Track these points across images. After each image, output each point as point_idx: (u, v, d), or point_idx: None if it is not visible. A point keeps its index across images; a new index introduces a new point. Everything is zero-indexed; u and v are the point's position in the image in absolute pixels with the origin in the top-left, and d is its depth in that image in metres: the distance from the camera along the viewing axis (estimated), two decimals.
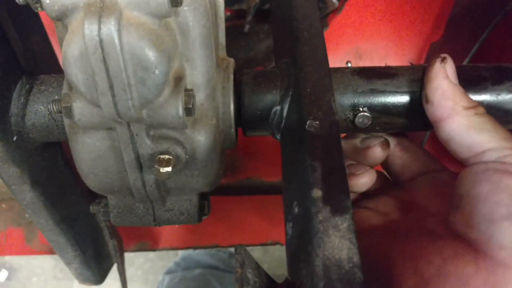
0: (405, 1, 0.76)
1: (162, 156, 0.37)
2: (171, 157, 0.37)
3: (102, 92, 0.32)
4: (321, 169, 0.35)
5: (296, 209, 0.34)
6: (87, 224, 0.56)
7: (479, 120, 0.39)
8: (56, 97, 0.40)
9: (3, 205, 0.75)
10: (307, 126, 0.37)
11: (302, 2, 0.49)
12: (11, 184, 0.45)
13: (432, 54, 0.76)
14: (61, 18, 0.32)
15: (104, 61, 0.30)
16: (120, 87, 0.32)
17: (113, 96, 0.32)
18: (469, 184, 0.37)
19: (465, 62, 0.64)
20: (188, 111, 0.36)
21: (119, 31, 0.30)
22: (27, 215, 0.76)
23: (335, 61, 0.79)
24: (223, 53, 0.45)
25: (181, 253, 1.34)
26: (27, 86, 0.42)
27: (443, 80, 0.40)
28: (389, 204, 0.48)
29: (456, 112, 0.39)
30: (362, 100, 0.44)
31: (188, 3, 0.35)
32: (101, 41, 0.30)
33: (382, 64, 0.74)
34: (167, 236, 0.78)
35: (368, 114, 0.43)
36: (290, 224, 0.34)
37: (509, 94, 0.43)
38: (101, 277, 0.59)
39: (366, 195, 0.51)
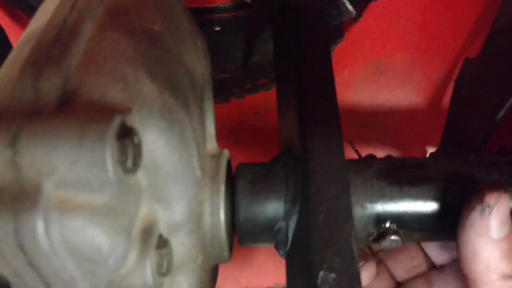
0: (435, 8, 0.64)
1: None
2: None
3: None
4: None
5: None
6: None
7: None
8: None
9: None
10: (319, 281, 0.28)
11: (315, 70, 0.38)
12: None
13: (467, 71, 0.65)
14: None
15: (32, 265, 0.21)
16: (59, 285, 0.23)
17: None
18: None
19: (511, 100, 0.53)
20: (162, 274, 0.27)
21: (46, 228, 0.20)
22: None
23: (351, 77, 0.69)
24: (212, 145, 0.35)
25: None
26: None
27: (477, 237, 0.30)
28: None
29: (485, 282, 0.30)
30: (389, 213, 0.34)
31: (155, 138, 0.25)
32: (21, 246, 0.20)
33: (406, 80, 0.64)
34: None
35: (396, 238, 0.33)
36: None
37: None
38: None
39: None
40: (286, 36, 0.43)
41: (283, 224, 0.33)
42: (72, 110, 0.21)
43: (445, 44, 0.66)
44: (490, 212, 0.31)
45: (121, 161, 0.21)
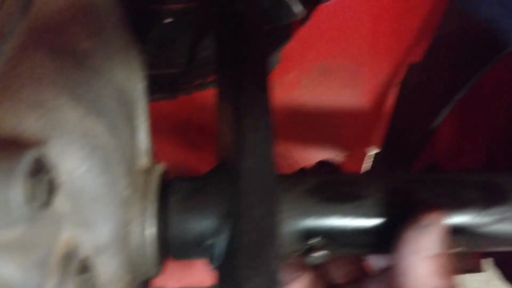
0: (382, 14, 0.65)
1: None
2: None
3: None
4: None
5: None
6: None
7: None
8: None
9: None
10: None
11: (251, 87, 0.38)
12: None
13: (410, 76, 0.66)
14: None
15: None
16: None
17: None
18: None
19: (448, 107, 0.55)
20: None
21: None
22: None
23: (298, 78, 0.69)
24: (145, 160, 0.35)
25: None
26: None
27: (412, 255, 0.32)
28: None
29: None
30: (318, 229, 0.35)
31: (76, 166, 0.24)
32: None
33: (352, 83, 0.65)
34: None
35: (323, 254, 0.34)
36: None
37: (501, 222, 0.35)
38: None
39: None
40: (226, 42, 0.43)
41: (213, 241, 0.34)
42: None
43: (391, 49, 0.67)
44: (425, 231, 0.32)
45: (32, 199, 0.20)
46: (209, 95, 0.72)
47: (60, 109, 0.24)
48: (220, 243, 0.33)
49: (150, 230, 0.32)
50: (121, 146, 0.29)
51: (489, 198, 0.35)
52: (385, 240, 0.35)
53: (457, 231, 0.35)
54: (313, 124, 0.70)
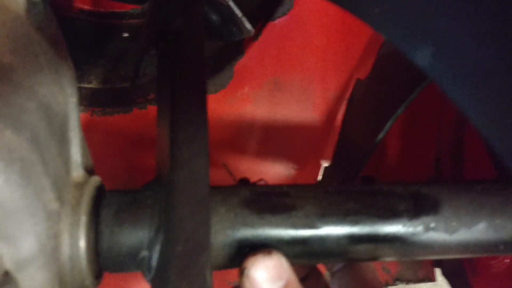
0: (329, 33, 0.67)
1: None
2: None
3: None
4: None
5: None
6: None
7: None
8: None
9: None
10: None
11: (187, 99, 0.39)
12: None
13: (356, 91, 0.68)
14: None
15: None
16: None
17: None
18: None
19: (390, 122, 0.57)
20: None
21: None
22: None
23: (251, 93, 0.70)
24: (79, 173, 0.35)
25: None
26: None
27: None
28: None
29: None
30: (250, 239, 0.36)
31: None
32: None
33: (303, 98, 0.66)
34: None
35: None
36: None
37: (426, 233, 0.37)
38: None
39: None
40: (165, 60, 0.43)
41: (146, 253, 0.34)
42: None
43: (339, 65, 0.69)
44: (247, 275, 0.33)
45: None
46: None
47: None
48: (153, 255, 0.34)
49: (81, 243, 0.32)
50: (47, 159, 0.29)
51: (418, 208, 0.37)
52: (316, 250, 0.36)
53: (388, 240, 0.36)
54: (266, 138, 0.72)
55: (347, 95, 0.70)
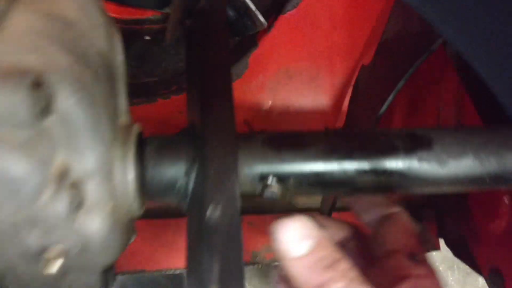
0: (336, 23, 0.74)
1: (48, 255, 0.34)
2: (60, 252, 0.35)
3: None
4: (219, 266, 0.34)
5: (194, 282, 0.33)
6: None
7: None
8: None
9: None
10: (208, 213, 0.35)
11: (214, 61, 0.46)
12: None
13: (361, 76, 0.75)
14: None
15: None
16: None
17: None
18: None
19: (390, 97, 0.63)
20: (75, 206, 0.33)
21: None
22: None
23: (265, 81, 0.77)
24: (125, 119, 0.42)
25: None
26: None
27: (283, 260, 0.37)
28: None
29: None
30: (271, 170, 0.42)
31: (67, 96, 0.31)
32: None
33: (312, 85, 0.73)
34: None
35: (275, 191, 0.41)
36: None
37: (420, 164, 0.43)
38: None
39: None
40: (193, 35, 0.51)
41: (184, 181, 0.40)
42: None
43: (345, 53, 0.76)
44: (275, 236, 0.37)
45: (34, 105, 0.27)
46: (184, 98, 0.80)
47: (54, 55, 0.32)
48: (190, 181, 0.40)
49: (130, 172, 0.39)
50: (104, 96, 0.36)
51: (413, 145, 0.43)
52: (327, 181, 0.42)
53: (388, 173, 0.42)
54: (278, 123, 0.78)
55: (353, 81, 0.77)
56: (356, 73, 0.77)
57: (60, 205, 0.32)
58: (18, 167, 0.28)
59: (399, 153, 0.43)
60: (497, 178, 0.43)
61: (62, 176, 0.33)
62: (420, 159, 0.43)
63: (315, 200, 0.86)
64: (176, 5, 0.56)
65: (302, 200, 0.88)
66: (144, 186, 0.41)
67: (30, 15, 0.33)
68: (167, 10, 0.91)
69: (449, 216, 0.78)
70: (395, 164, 0.43)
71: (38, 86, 0.28)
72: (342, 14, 0.73)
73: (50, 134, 0.31)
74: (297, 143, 0.43)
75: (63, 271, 0.37)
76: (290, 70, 0.77)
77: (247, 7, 0.70)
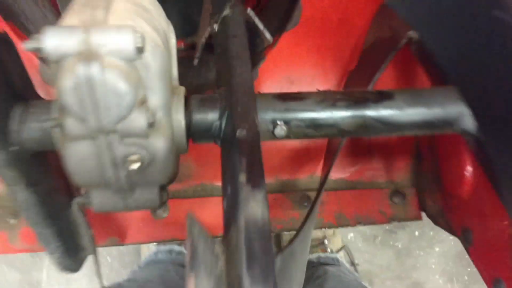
0: (327, 37, 0.93)
1: (131, 157, 0.51)
2: (138, 158, 0.51)
3: (90, 112, 0.46)
4: (246, 162, 0.50)
5: (229, 189, 0.49)
6: (67, 220, 0.69)
7: None
8: (52, 116, 0.53)
9: None
10: (237, 133, 0.52)
11: (237, 46, 0.64)
12: (9, 185, 0.57)
13: (349, 80, 0.93)
14: (57, 60, 0.46)
15: (92, 90, 0.45)
16: (102, 108, 0.46)
17: (97, 114, 0.46)
18: None
19: (370, 87, 0.81)
20: (150, 125, 0.50)
21: (101, 71, 0.44)
22: (11, 221, 0.88)
23: (271, 87, 0.96)
24: (175, 83, 0.60)
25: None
26: (22, 108, 0.55)
27: None
28: None
29: None
30: (279, 116, 0.59)
31: (149, 49, 0.49)
32: (89, 77, 0.44)
33: (311, 89, 0.91)
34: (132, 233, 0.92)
35: (283, 128, 0.58)
36: (225, 200, 0.49)
37: (386, 110, 0.60)
38: (78, 265, 0.71)
39: None
40: (220, 34, 0.69)
41: (218, 123, 0.57)
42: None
43: (335, 62, 0.95)
44: None
45: (134, 46, 0.45)
46: None
47: (141, 24, 0.50)
48: (223, 122, 0.57)
49: (181, 114, 0.56)
50: (166, 61, 0.54)
51: (380, 97, 0.60)
52: (319, 123, 0.59)
53: (363, 117, 0.59)
54: None
55: (343, 84, 0.95)
56: (344, 78, 0.95)
57: (142, 120, 0.49)
58: (124, 84, 0.46)
59: (370, 103, 0.60)
60: (443, 122, 0.60)
61: (143, 102, 0.50)
62: (385, 107, 0.60)
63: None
64: (202, 33, 0.76)
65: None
66: (190, 127, 0.58)
67: (125, 2, 0.51)
68: (189, 40, 1.12)
69: (427, 191, 0.94)
70: (368, 111, 0.60)
71: (137, 35, 0.46)
72: (333, 28, 0.92)
73: (138, 70, 0.49)
74: (298, 98, 0.60)
75: (137, 175, 0.54)
76: (291, 77, 0.96)
77: (257, 27, 0.90)
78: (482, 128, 0.60)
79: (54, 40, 0.44)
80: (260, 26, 0.89)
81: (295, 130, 0.60)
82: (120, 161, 0.52)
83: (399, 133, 0.63)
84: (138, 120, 0.49)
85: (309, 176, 1.01)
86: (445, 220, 0.88)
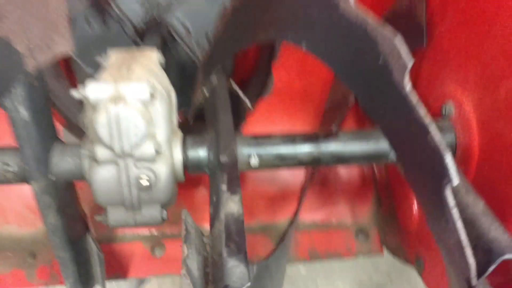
0: (294, 101, 1.15)
1: (142, 177, 0.69)
2: (147, 178, 0.69)
3: (115, 140, 0.65)
4: (227, 177, 0.68)
5: (214, 198, 0.67)
6: (83, 248, 0.85)
7: None
8: (85, 148, 0.71)
9: (9, 253, 1.02)
10: (220, 158, 0.71)
11: (221, 101, 0.85)
12: (43, 209, 0.74)
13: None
14: (95, 104, 0.65)
15: (118, 123, 0.64)
16: (124, 137, 0.65)
17: (120, 142, 0.65)
18: None
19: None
20: (157, 152, 0.69)
21: (126, 110, 0.64)
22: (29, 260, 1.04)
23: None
24: (175, 127, 0.80)
25: None
26: (61, 147, 0.74)
27: None
28: None
29: None
30: (253, 150, 0.78)
31: (157, 97, 0.69)
32: (117, 114, 0.63)
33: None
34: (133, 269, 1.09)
35: (257, 159, 0.77)
36: (212, 206, 0.66)
37: (332, 145, 0.79)
38: None
39: None
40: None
41: (206, 156, 0.76)
42: None
43: (303, 117, 1.16)
44: None
45: (149, 93, 0.65)
46: None
47: (153, 80, 0.71)
48: (210, 156, 0.76)
49: (179, 150, 0.75)
50: (169, 109, 0.74)
51: (328, 136, 0.80)
52: (283, 155, 0.78)
53: (316, 152, 0.79)
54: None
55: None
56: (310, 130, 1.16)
57: (151, 148, 0.68)
58: (141, 120, 0.65)
59: (320, 140, 0.80)
60: (378, 154, 0.80)
61: (152, 135, 0.69)
62: (332, 143, 0.79)
63: None
64: (194, 106, 0.98)
65: None
66: (186, 160, 0.76)
67: (140, 66, 0.72)
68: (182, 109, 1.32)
69: (387, 229, 1.12)
70: (319, 146, 0.79)
71: (150, 86, 0.66)
72: (299, 94, 1.14)
73: (150, 114, 0.68)
74: (267, 137, 0.80)
75: (145, 193, 0.71)
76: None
77: (238, 95, 1.11)
78: (397, 157, 0.78)
79: (94, 89, 0.64)
80: (240, 93, 1.11)
81: (266, 161, 0.79)
82: (134, 181, 0.70)
83: (346, 163, 0.82)
84: (148, 147, 0.68)
85: (288, 218, 1.19)
86: (402, 252, 1.05)
